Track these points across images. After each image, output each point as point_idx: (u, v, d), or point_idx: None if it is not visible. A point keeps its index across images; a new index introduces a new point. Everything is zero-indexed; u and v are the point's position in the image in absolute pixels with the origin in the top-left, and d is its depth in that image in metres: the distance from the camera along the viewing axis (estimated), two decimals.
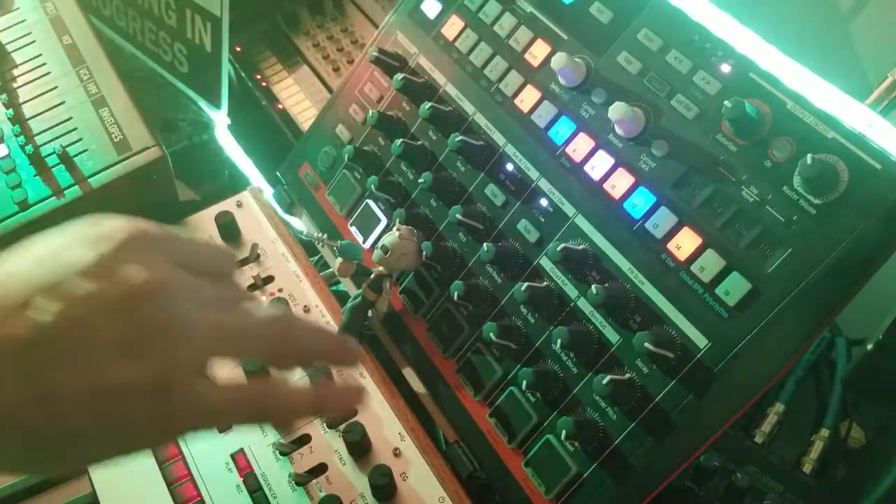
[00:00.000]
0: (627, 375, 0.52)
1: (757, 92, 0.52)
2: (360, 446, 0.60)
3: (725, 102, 0.50)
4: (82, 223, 0.41)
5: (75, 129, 0.77)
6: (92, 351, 0.37)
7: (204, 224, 0.76)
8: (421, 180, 0.64)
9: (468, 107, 0.66)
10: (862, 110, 0.49)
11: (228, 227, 0.74)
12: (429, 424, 0.63)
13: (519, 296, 0.56)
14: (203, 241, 0.49)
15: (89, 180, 0.73)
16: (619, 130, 0.57)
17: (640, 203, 0.55)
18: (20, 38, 0.87)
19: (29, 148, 0.75)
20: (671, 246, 0.52)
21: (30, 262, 0.39)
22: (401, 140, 0.66)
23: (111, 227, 0.41)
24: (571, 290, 0.57)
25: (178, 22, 0.89)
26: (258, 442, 0.62)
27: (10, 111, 0.79)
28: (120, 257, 0.39)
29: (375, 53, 0.70)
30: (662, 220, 0.53)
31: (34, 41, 0.87)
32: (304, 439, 0.62)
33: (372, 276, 0.65)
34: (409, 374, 0.66)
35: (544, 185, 0.60)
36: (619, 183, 0.56)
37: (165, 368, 0.39)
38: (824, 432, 0.69)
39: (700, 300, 0.51)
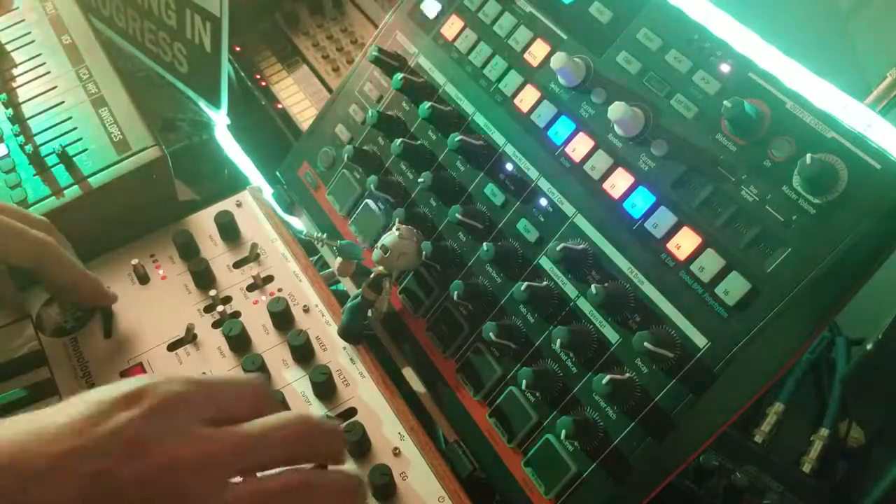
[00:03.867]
0: (627, 375, 0.52)
1: (756, 91, 0.52)
2: (359, 446, 0.60)
3: (725, 102, 0.50)
4: (118, 386, 0.44)
5: (75, 128, 0.77)
6: None
7: (203, 224, 0.76)
8: (420, 180, 0.64)
9: (468, 106, 0.66)
10: (861, 110, 0.49)
11: (228, 226, 0.74)
12: (428, 424, 0.63)
13: (518, 295, 0.56)
14: (231, 381, 0.49)
15: (89, 180, 0.73)
16: (618, 130, 0.57)
17: (639, 203, 0.55)
18: (20, 37, 0.87)
19: (28, 147, 0.74)
20: (671, 245, 0.52)
21: (60, 421, 0.41)
22: (400, 140, 0.66)
23: (144, 391, 0.43)
24: (571, 290, 0.57)
25: (178, 22, 0.89)
26: None
27: (10, 110, 0.79)
28: (149, 429, 0.42)
29: (375, 53, 0.70)
30: (662, 220, 0.53)
31: (34, 41, 0.87)
32: None
33: (371, 275, 0.65)
34: (409, 374, 0.66)
35: (544, 184, 0.60)
36: (619, 182, 0.56)
37: None
38: (824, 432, 0.69)
39: (700, 300, 0.51)
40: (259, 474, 0.46)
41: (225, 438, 0.44)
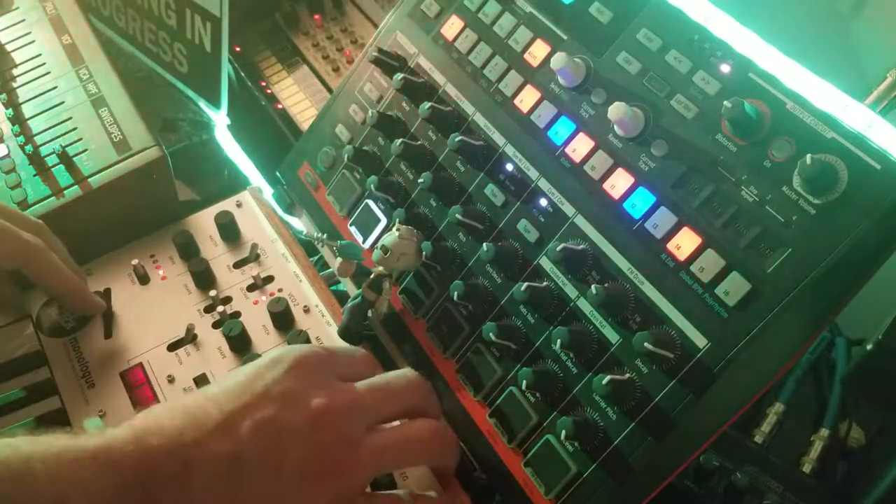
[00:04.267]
0: (627, 375, 0.52)
1: (756, 92, 0.52)
2: None
3: (725, 102, 0.50)
4: (262, 357, 0.52)
5: (75, 128, 0.77)
6: (279, 474, 0.46)
7: (203, 224, 0.76)
8: (421, 180, 0.64)
9: (468, 107, 0.66)
10: (861, 110, 0.49)
11: (228, 227, 0.74)
12: None
13: (519, 296, 0.56)
14: (349, 351, 0.59)
15: (89, 180, 0.73)
16: (618, 130, 0.57)
17: (639, 203, 0.55)
18: (20, 37, 0.88)
19: (28, 147, 0.75)
20: (671, 246, 0.52)
21: (222, 389, 0.49)
22: (400, 140, 0.66)
23: (282, 356, 0.51)
24: (571, 290, 0.57)
25: (178, 22, 0.89)
26: None
27: (10, 111, 0.79)
28: (297, 384, 0.49)
29: (375, 53, 0.70)
30: (662, 220, 0.53)
31: (34, 41, 0.87)
32: None
33: (372, 276, 0.65)
34: None
35: (544, 185, 0.60)
36: (619, 183, 0.56)
37: (337, 493, 0.48)
38: (824, 432, 0.69)
39: (700, 300, 0.51)
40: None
41: (360, 390, 0.52)
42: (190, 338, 0.68)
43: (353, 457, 0.49)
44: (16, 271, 0.67)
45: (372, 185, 0.67)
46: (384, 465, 0.53)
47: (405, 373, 0.56)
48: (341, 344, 0.66)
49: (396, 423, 0.54)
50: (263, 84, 1.01)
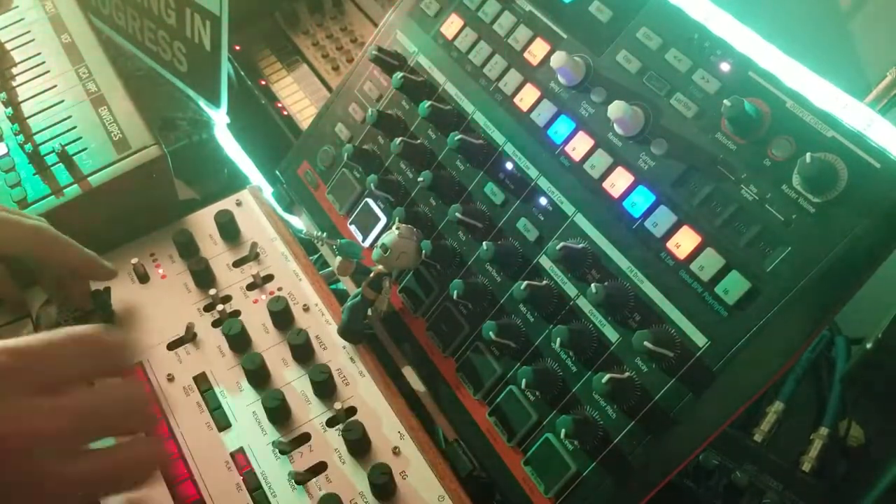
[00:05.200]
0: (627, 374, 0.52)
1: (756, 91, 0.52)
2: (359, 445, 0.60)
3: (725, 101, 0.50)
4: None
5: (74, 127, 0.77)
6: None
7: (203, 223, 0.76)
8: (420, 179, 0.64)
9: (467, 105, 0.66)
10: (861, 109, 0.49)
11: (228, 226, 0.74)
12: (428, 423, 0.63)
13: (518, 294, 0.56)
14: (59, 344, 0.45)
15: (88, 179, 0.73)
16: (618, 129, 0.57)
17: (639, 202, 0.55)
18: (19, 36, 0.88)
19: (28, 146, 0.74)
20: (670, 244, 0.52)
21: None
22: (400, 139, 0.66)
23: None
24: (571, 289, 0.57)
25: (178, 20, 0.89)
26: (258, 441, 0.62)
27: (10, 110, 0.79)
28: None
29: (375, 52, 0.70)
30: (662, 219, 0.53)
31: (33, 40, 0.87)
32: (304, 438, 0.62)
33: (371, 274, 0.65)
34: (409, 373, 0.66)
35: (544, 183, 0.60)
36: (619, 182, 0.56)
37: None
38: (823, 431, 0.69)
39: (699, 299, 0.51)
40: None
41: (58, 408, 0.42)
42: (190, 336, 0.68)
43: (40, 499, 0.41)
44: (16, 269, 0.67)
45: (371, 184, 0.67)
46: (92, 494, 0.46)
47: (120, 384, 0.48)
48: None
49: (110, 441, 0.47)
50: (263, 83, 1.01)
